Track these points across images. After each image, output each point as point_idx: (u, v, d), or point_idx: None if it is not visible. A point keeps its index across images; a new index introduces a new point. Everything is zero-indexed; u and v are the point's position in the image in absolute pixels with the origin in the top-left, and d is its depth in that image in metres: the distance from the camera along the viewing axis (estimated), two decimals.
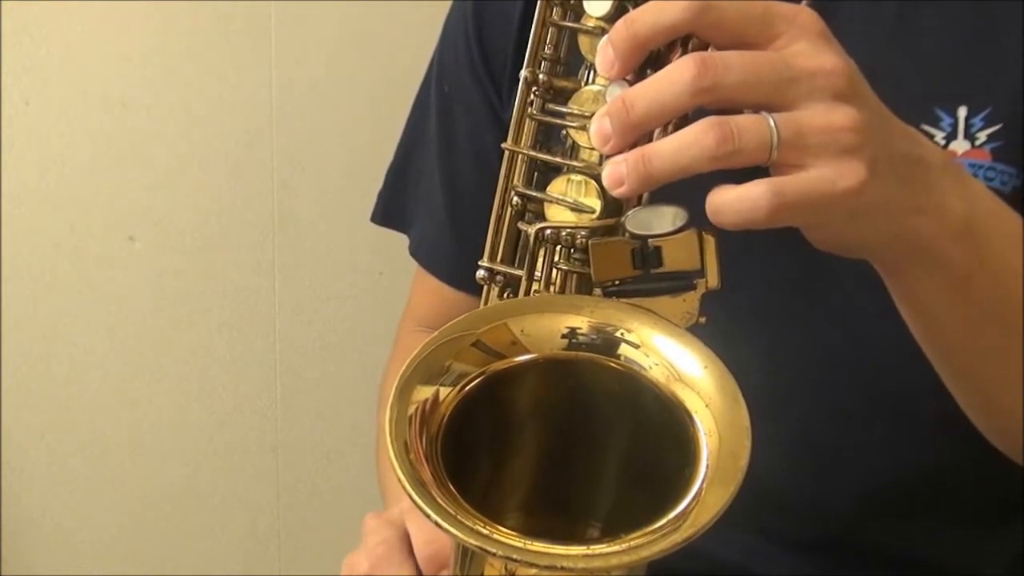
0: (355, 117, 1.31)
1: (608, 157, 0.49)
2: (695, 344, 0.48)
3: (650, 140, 0.50)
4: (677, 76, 0.48)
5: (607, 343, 0.48)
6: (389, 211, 0.92)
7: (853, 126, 0.49)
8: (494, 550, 0.41)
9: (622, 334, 0.48)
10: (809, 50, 0.49)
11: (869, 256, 0.56)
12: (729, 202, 0.48)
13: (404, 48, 1.27)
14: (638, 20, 0.50)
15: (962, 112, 0.70)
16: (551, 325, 0.48)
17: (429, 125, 0.87)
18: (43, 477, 1.30)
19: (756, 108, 0.49)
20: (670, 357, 0.47)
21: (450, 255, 0.87)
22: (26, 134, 1.23)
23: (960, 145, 0.70)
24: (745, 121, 0.48)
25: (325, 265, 1.34)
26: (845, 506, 0.75)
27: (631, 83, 0.51)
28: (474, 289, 0.85)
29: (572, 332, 0.48)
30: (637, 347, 0.48)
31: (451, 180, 0.86)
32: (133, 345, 1.30)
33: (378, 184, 0.93)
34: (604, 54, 0.50)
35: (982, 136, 0.70)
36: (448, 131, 0.86)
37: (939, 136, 0.70)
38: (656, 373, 0.47)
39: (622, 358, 0.48)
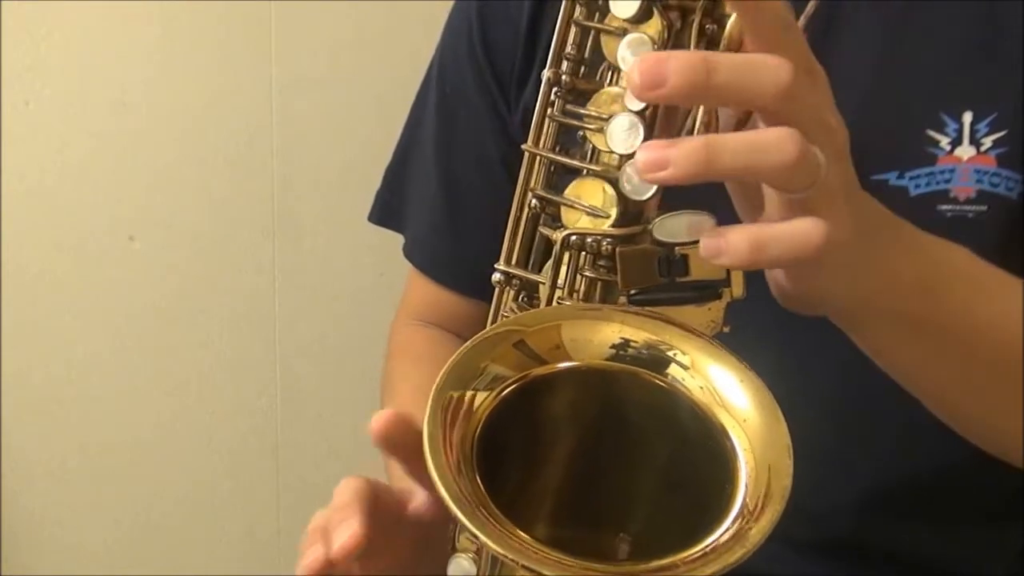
0: (355, 117, 1.31)
1: (623, 157, 0.49)
2: (738, 364, 0.48)
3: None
4: (774, 69, 0.46)
5: (656, 359, 0.48)
6: (386, 211, 0.92)
7: (843, 184, 0.49)
8: (548, 571, 0.40)
9: (675, 354, 0.48)
10: (823, 105, 0.49)
11: (829, 313, 0.56)
12: (783, 237, 0.47)
13: (404, 48, 1.27)
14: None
15: (967, 117, 0.70)
16: (592, 334, 0.48)
17: (428, 126, 0.87)
18: (43, 477, 1.30)
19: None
20: (714, 378, 0.47)
21: (446, 257, 0.87)
22: (26, 134, 1.22)
23: (965, 151, 0.70)
24: (809, 144, 0.47)
25: (325, 265, 1.34)
26: (850, 508, 0.75)
27: None
28: (468, 290, 0.86)
29: (624, 344, 0.47)
30: (687, 368, 0.47)
31: (450, 182, 0.86)
32: (133, 345, 1.30)
33: (378, 184, 0.93)
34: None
35: (987, 142, 0.70)
36: (449, 133, 0.86)
37: (944, 141, 0.71)
38: (697, 392, 0.47)
39: (669, 376, 0.48)
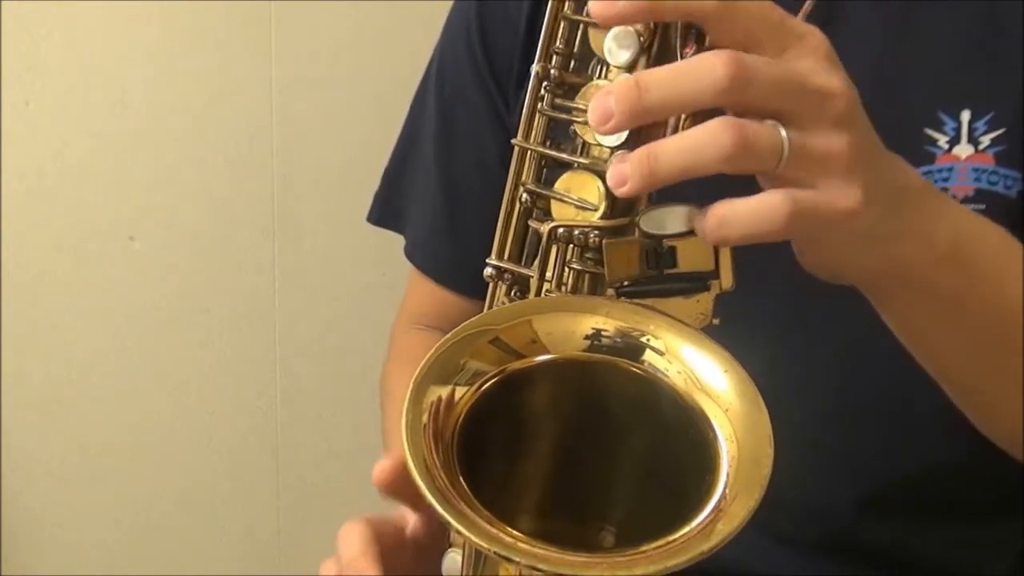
0: (355, 117, 1.31)
1: (614, 150, 0.49)
2: (717, 350, 0.47)
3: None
4: (707, 70, 0.46)
5: (631, 347, 0.48)
6: (385, 211, 0.92)
7: (850, 152, 0.49)
8: (519, 559, 0.40)
9: (648, 339, 0.47)
10: (817, 69, 0.49)
11: (858, 282, 0.56)
12: (744, 212, 0.47)
13: (404, 48, 1.27)
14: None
15: (965, 116, 0.70)
16: (571, 326, 0.48)
17: (427, 126, 0.87)
18: (43, 477, 1.30)
19: (766, 118, 0.48)
20: (692, 364, 0.47)
21: (446, 257, 0.87)
22: (26, 134, 1.22)
23: (963, 149, 0.70)
24: (759, 127, 0.47)
25: (325, 265, 1.34)
26: (846, 505, 0.75)
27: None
28: (469, 290, 0.86)
29: (596, 334, 0.47)
30: (662, 353, 0.47)
31: (449, 182, 0.86)
32: (133, 345, 1.30)
33: (378, 185, 0.93)
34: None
35: (985, 140, 0.70)
36: (448, 133, 0.86)
37: (942, 140, 0.70)
38: (677, 379, 0.47)
39: (645, 363, 0.47)
